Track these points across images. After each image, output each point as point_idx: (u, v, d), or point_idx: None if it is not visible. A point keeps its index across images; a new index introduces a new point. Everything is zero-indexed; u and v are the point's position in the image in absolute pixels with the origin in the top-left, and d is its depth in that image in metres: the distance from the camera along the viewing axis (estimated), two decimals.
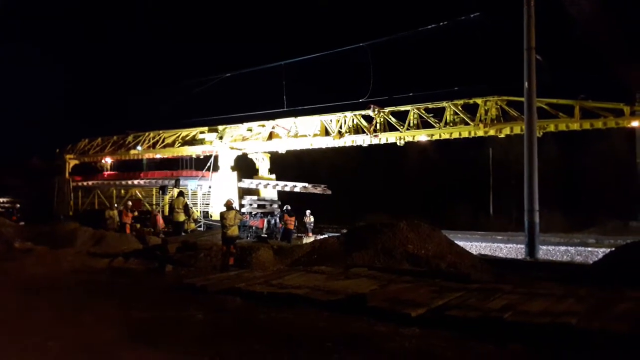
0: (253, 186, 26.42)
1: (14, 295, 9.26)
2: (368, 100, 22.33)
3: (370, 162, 36.37)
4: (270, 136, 26.03)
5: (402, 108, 22.07)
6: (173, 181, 25.94)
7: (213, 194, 26.15)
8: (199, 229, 25.15)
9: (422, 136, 21.87)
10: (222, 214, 13.44)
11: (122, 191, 29.96)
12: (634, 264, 9.38)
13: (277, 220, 24.76)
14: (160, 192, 25.84)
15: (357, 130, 23.34)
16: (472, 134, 20.80)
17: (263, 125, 26.20)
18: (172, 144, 29.21)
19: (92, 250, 15.60)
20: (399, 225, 12.62)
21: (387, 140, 22.69)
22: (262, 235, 23.16)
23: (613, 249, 12.22)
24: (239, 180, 26.66)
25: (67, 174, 32.86)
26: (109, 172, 31.88)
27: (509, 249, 18.96)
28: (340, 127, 23.62)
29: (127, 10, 69.80)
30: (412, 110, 21.67)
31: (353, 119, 23.36)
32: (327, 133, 24.20)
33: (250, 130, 26.75)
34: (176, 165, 30.21)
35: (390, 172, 39.60)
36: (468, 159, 35.78)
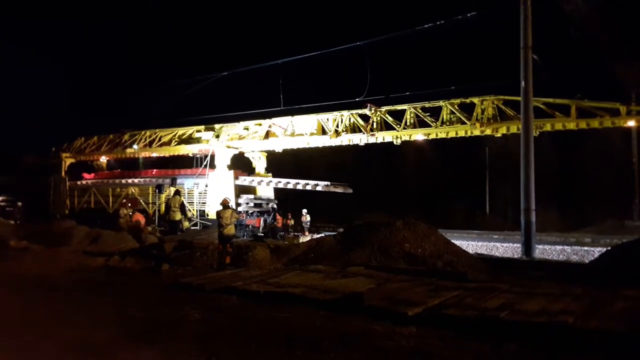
0: (274, 185, 25.93)
1: (9, 294, 9.23)
2: (365, 99, 22.35)
3: (366, 161, 36.41)
4: (267, 135, 25.99)
5: (399, 107, 22.07)
6: (169, 180, 25.92)
7: (209, 193, 26.11)
8: (194, 227, 25.15)
9: (418, 135, 21.87)
10: (218, 213, 13.42)
11: (118, 189, 29.91)
12: (630, 263, 9.40)
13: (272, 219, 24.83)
14: (157, 190, 25.80)
15: (353, 129, 23.33)
16: (469, 134, 20.81)
17: (260, 124, 26.16)
18: (168, 143, 29.16)
19: (88, 249, 15.56)
20: (395, 224, 12.62)
21: (383, 140, 22.69)
22: (259, 234, 23.16)
23: (609, 248, 12.27)
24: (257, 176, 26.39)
25: (63, 173, 32.77)
26: (120, 171, 31.58)
27: (506, 248, 18.98)
28: (337, 126, 23.61)
29: (125, 8, 69.64)
30: (409, 110, 21.67)
31: (350, 118, 23.35)
32: (323, 132, 24.18)
33: (247, 129, 26.71)
34: (172, 163, 30.23)
35: (386, 171, 39.64)
36: (465, 158, 35.85)
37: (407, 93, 22.33)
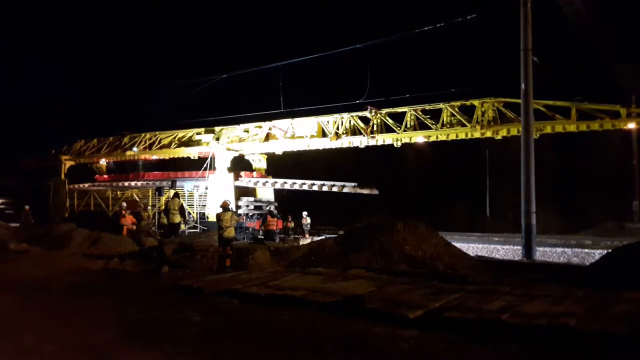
0: (297, 186, 25.30)
1: (9, 296, 9.21)
2: (365, 101, 22.37)
3: (367, 163, 36.36)
4: (267, 137, 26.01)
5: (399, 109, 22.10)
6: (169, 182, 25.93)
7: (209, 195, 26.10)
8: (194, 230, 25.13)
9: (419, 137, 21.89)
10: (218, 216, 13.40)
11: (119, 192, 29.91)
12: (631, 265, 9.37)
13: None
14: (156, 193, 25.81)
15: (354, 131, 23.35)
16: (469, 136, 20.82)
17: (260, 127, 26.17)
18: (168, 145, 29.17)
19: (88, 252, 15.55)
20: (396, 226, 12.59)
21: (384, 142, 22.70)
22: (259, 236, 23.14)
23: (610, 250, 12.23)
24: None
25: (62, 175, 32.79)
26: (133, 173, 31.47)
27: (506, 250, 18.96)
28: (337, 129, 23.62)
29: (125, 10, 69.66)
30: (409, 112, 21.69)
31: (350, 120, 23.36)
32: (324, 134, 24.19)
33: (247, 131, 26.73)
34: (172, 166, 30.19)
35: (387, 173, 39.58)
36: (465, 160, 35.80)
37: (407, 95, 22.42)
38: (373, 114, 22.35)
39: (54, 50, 66.58)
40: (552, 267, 13.73)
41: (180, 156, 29.00)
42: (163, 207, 23.49)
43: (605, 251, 13.07)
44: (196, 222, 26.14)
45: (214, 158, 26.58)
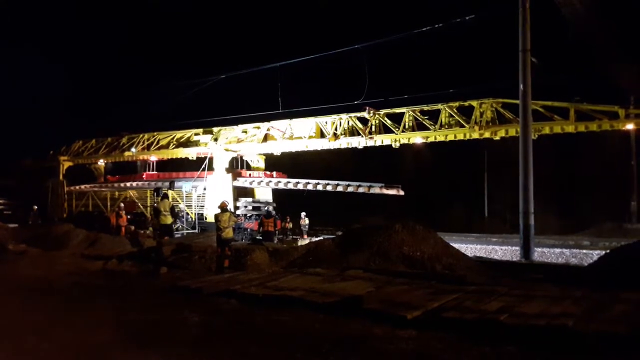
0: (320, 187, 24.79)
1: (7, 297, 9.20)
2: (363, 102, 22.38)
3: (365, 164, 36.36)
4: (266, 138, 26.02)
5: (398, 110, 22.12)
6: (167, 183, 25.90)
7: (208, 196, 26.08)
8: (193, 231, 25.10)
9: (417, 138, 21.90)
10: (216, 216, 13.38)
11: (117, 193, 29.88)
12: (629, 266, 9.38)
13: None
14: (155, 194, 25.78)
15: (352, 132, 23.36)
16: (467, 136, 20.85)
17: (258, 127, 26.17)
18: (166, 146, 29.16)
19: (86, 253, 15.52)
20: (394, 227, 12.58)
21: (382, 142, 22.72)
22: (257, 237, 23.12)
23: (608, 251, 12.24)
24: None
25: (61, 176, 32.75)
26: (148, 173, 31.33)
27: (504, 251, 18.97)
28: (336, 129, 23.63)
29: (125, 10, 69.62)
30: (408, 113, 21.71)
31: (348, 121, 23.37)
32: (322, 135, 24.19)
33: (245, 132, 26.73)
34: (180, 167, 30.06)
35: (385, 174, 39.55)
36: (463, 161, 35.83)
37: (406, 96, 22.45)
38: (371, 114, 22.37)
39: (54, 50, 66.56)
40: (550, 267, 13.71)
41: (179, 157, 28.98)
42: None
43: (604, 252, 13.07)
44: (193, 223, 26.11)
45: (212, 159, 26.57)
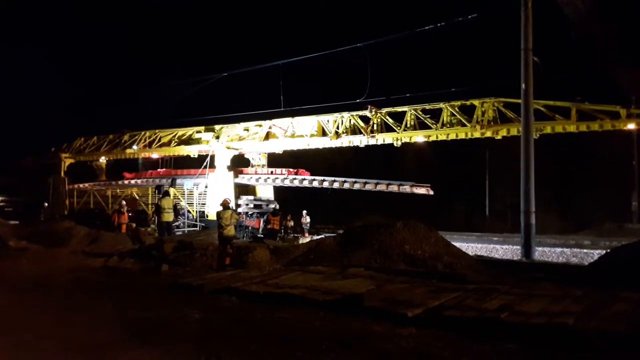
0: (347, 185, 24.13)
1: (9, 294, 9.21)
2: (365, 100, 22.38)
3: (366, 162, 36.37)
4: (267, 136, 26.02)
5: (399, 109, 22.10)
6: (169, 180, 25.90)
7: (209, 194, 26.10)
8: (194, 228, 25.13)
9: (419, 137, 21.89)
10: (218, 214, 13.42)
11: (118, 190, 29.90)
12: (629, 265, 9.39)
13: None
14: (156, 191, 25.78)
15: (354, 130, 23.35)
16: (469, 136, 20.83)
17: (260, 125, 26.17)
18: (168, 144, 29.18)
19: (88, 250, 15.52)
20: (395, 225, 12.60)
21: (384, 141, 22.71)
22: (259, 235, 23.15)
23: (608, 250, 12.25)
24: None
25: (62, 173, 32.78)
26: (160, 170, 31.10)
27: (505, 250, 18.97)
28: (337, 128, 23.62)
29: (125, 8, 69.56)
30: (409, 111, 21.69)
31: (350, 120, 23.36)
32: (324, 133, 24.18)
33: (247, 130, 26.73)
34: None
35: (386, 172, 39.52)
36: (465, 160, 35.80)
37: (408, 95, 22.41)
38: (373, 113, 22.35)
39: (54, 50, 66.53)
40: (551, 266, 13.74)
41: (180, 154, 29.01)
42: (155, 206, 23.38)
43: (604, 251, 13.09)
44: (195, 220, 26.12)
45: (213, 156, 26.58)
